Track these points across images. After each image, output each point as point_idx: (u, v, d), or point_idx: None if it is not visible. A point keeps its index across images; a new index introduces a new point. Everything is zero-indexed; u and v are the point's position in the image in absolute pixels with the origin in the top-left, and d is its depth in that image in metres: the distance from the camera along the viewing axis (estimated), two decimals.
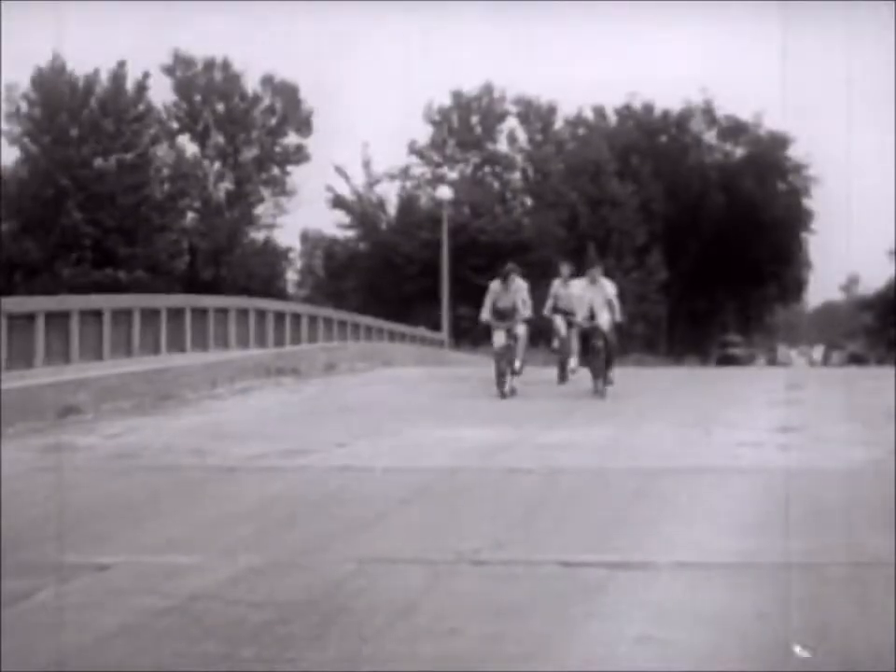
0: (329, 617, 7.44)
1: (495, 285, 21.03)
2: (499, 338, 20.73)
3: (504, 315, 20.84)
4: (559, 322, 22.70)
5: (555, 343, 23.32)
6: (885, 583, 8.09)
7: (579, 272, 22.47)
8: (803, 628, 7.19)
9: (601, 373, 20.17)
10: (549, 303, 22.93)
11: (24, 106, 56.98)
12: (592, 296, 20.67)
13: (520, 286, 21.35)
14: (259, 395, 21.32)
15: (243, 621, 7.35)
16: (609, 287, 21.03)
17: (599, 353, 20.24)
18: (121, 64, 56.93)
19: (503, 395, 20.23)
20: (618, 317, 20.83)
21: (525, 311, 21.13)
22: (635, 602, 7.80)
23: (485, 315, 20.89)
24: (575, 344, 22.51)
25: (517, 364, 20.92)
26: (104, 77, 57.14)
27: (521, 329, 21.03)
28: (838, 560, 8.84)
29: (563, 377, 22.50)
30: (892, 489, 11.06)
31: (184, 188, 59.83)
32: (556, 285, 22.94)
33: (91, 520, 10.37)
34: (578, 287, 21.49)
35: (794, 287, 78.05)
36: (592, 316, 20.61)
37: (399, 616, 7.45)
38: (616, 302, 20.88)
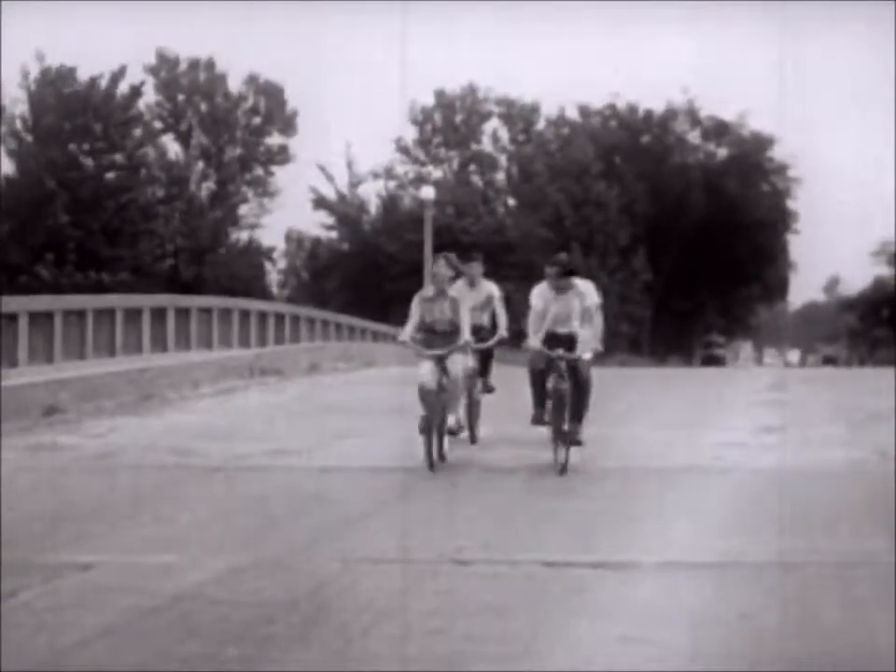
0: (314, 617, 7.44)
1: (425, 290, 13.72)
2: (425, 371, 13.04)
3: (436, 335, 13.29)
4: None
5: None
6: (869, 583, 8.13)
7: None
8: (785, 627, 7.22)
9: (565, 435, 12.79)
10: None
11: (11, 107, 56.79)
12: (559, 310, 13.16)
13: (485, 289, 14.82)
14: (242, 395, 21.30)
15: (227, 620, 7.34)
16: (592, 295, 13.53)
17: (563, 403, 12.84)
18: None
19: (430, 465, 12.70)
20: (598, 344, 13.27)
21: (500, 328, 14.48)
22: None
23: (405, 334, 13.41)
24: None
25: (450, 420, 13.14)
26: (87, 76, 56.91)
27: (455, 366, 13.19)
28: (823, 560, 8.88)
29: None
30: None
31: (173, 193, 59.68)
32: None
33: (75, 519, 10.36)
34: (537, 296, 13.34)
35: (777, 288, 78.19)
36: (552, 340, 13.04)
37: (384, 616, 7.46)
38: (599, 317, 13.46)
